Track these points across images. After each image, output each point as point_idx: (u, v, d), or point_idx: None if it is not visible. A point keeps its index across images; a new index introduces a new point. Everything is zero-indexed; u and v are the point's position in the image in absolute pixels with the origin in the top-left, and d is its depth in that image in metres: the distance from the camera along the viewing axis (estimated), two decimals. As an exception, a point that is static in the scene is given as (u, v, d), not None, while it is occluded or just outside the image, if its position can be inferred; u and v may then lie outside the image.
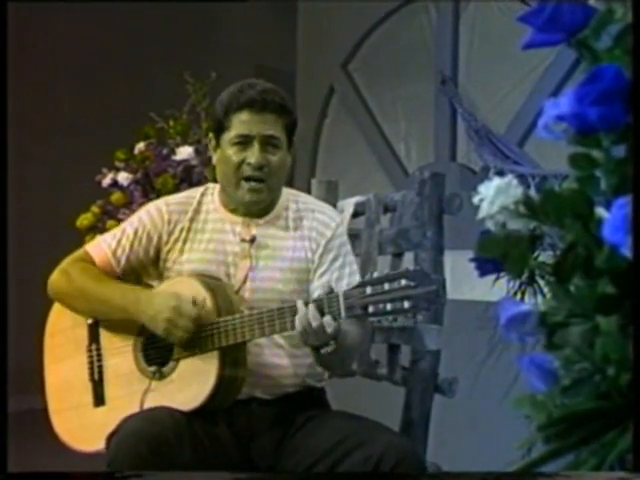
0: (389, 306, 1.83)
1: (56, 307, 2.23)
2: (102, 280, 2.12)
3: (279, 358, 2.07)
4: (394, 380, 2.35)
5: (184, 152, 3.04)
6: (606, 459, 0.82)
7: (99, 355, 2.16)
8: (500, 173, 4.05)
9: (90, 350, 2.16)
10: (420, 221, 2.31)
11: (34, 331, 2.31)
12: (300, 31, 5.43)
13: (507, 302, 0.92)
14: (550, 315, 0.90)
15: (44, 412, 2.22)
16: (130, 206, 3.00)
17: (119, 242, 2.14)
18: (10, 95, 2.83)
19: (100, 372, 2.15)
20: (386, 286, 1.84)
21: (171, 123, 3.14)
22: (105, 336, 2.16)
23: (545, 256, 0.99)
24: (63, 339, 2.21)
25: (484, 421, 3.27)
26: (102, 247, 2.16)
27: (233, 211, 2.13)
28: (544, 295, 1.00)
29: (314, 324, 1.86)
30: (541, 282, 1.01)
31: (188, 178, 3.02)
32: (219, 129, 2.09)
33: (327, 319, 1.87)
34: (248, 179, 2.05)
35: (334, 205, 2.57)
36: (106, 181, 3.12)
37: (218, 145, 2.11)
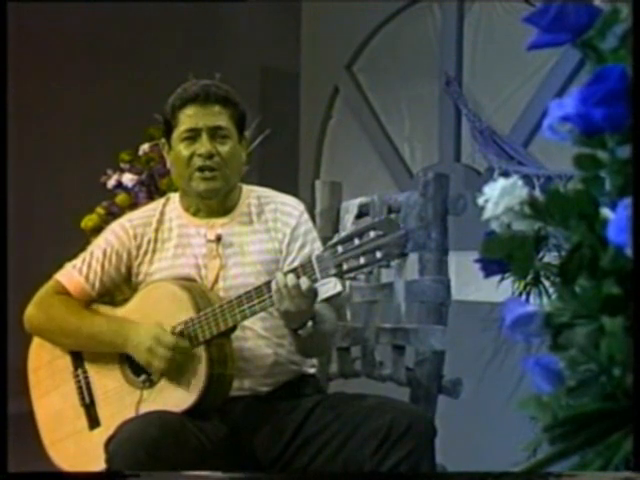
0: (362, 259, 1.85)
1: (35, 342, 2.24)
2: (84, 315, 2.13)
3: (266, 348, 2.09)
4: (399, 381, 2.35)
5: (188, 153, 3.03)
6: (612, 460, 0.82)
7: (86, 378, 2.17)
8: (505, 174, 4.05)
9: (77, 375, 2.17)
10: (424, 222, 2.31)
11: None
12: (304, 32, 5.43)
13: (512, 303, 0.92)
14: (555, 316, 0.90)
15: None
16: (135, 207, 3.00)
17: (89, 266, 2.15)
18: (13, 96, 2.83)
19: (90, 394, 2.16)
20: (356, 241, 1.85)
21: (175, 124, 3.13)
22: (89, 359, 2.17)
23: (550, 257, 0.99)
24: (46, 372, 2.22)
25: (489, 422, 3.26)
26: (73, 274, 2.16)
27: (195, 214, 2.16)
28: (549, 296, 1.00)
29: (290, 284, 1.88)
30: (546, 283, 1.01)
31: (192, 179, 3.01)
32: (168, 130, 2.13)
33: (303, 279, 1.89)
34: (200, 169, 2.08)
35: (338, 206, 2.57)
36: (111, 182, 3.12)
37: (170, 147, 2.14)
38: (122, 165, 3.14)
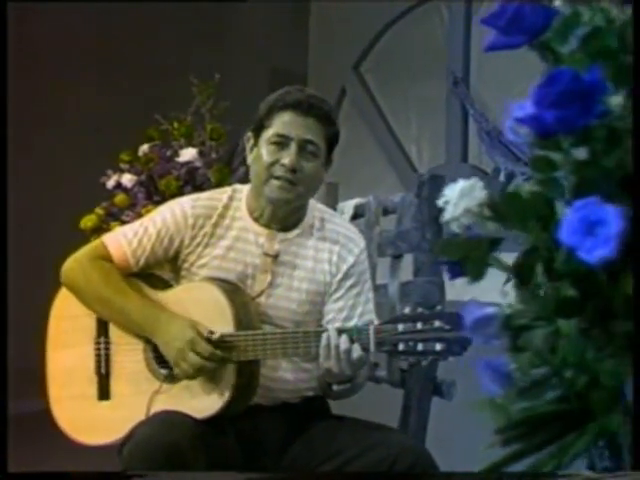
0: (420, 346, 1.81)
1: (65, 292, 2.17)
2: (122, 291, 2.07)
3: (289, 373, 2.06)
4: (393, 382, 2.35)
5: (188, 154, 3.03)
6: (562, 461, 0.82)
7: (107, 349, 2.12)
8: (511, 175, 4.05)
9: (98, 342, 2.12)
10: (419, 223, 2.31)
11: (36, 336, 2.29)
12: (312, 33, 5.45)
13: (472, 305, 0.92)
14: (514, 318, 0.90)
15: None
16: (134, 208, 3.01)
17: (140, 242, 2.08)
18: (12, 95, 2.85)
19: (107, 366, 2.12)
20: (419, 325, 1.82)
21: (175, 125, 3.13)
22: (115, 330, 2.12)
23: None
24: (70, 326, 2.16)
25: (482, 424, 3.25)
26: (122, 243, 2.09)
27: (257, 220, 2.08)
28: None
29: (342, 347, 1.85)
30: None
31: (192, 180, 3.02)
32: (259, 128, 2.05)
33: (355, 346, 1.85)
34: (279, 178, 2.00)
35: (334, 207, 2.57)
36: (110, 183, 3.12)
37: (256, 144, 2.06)
38: (121, 165, 3.14)
